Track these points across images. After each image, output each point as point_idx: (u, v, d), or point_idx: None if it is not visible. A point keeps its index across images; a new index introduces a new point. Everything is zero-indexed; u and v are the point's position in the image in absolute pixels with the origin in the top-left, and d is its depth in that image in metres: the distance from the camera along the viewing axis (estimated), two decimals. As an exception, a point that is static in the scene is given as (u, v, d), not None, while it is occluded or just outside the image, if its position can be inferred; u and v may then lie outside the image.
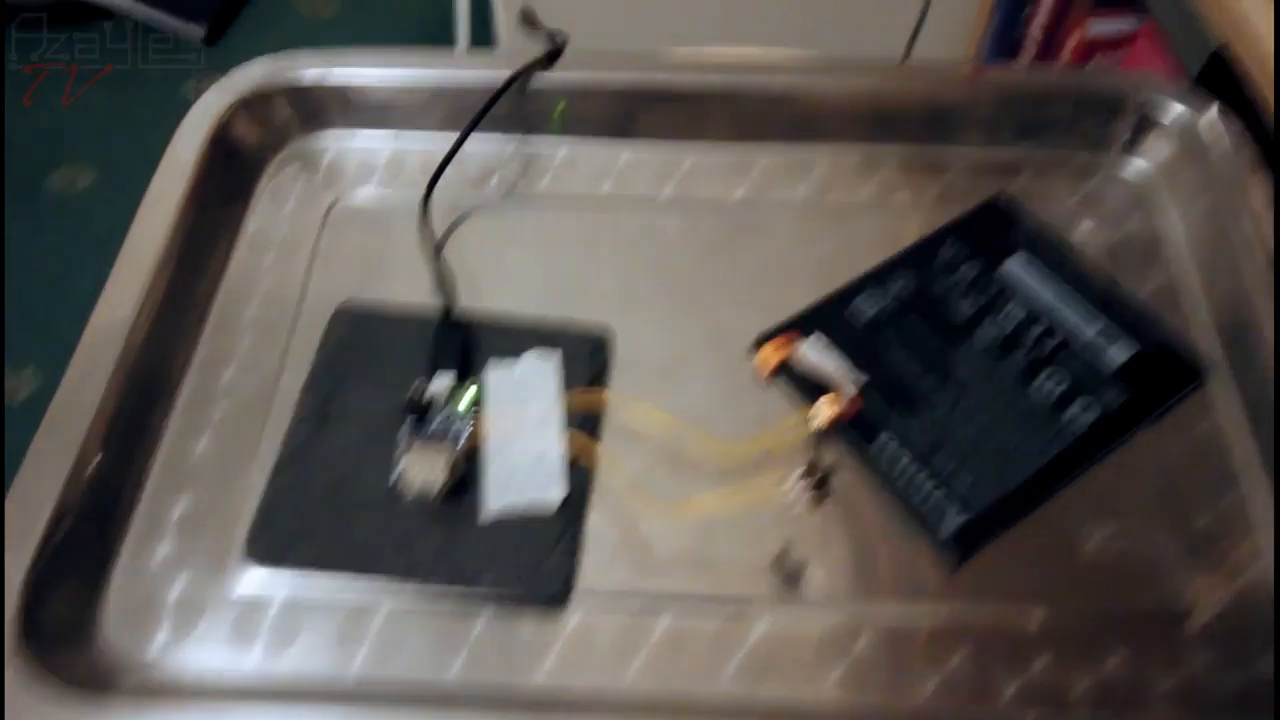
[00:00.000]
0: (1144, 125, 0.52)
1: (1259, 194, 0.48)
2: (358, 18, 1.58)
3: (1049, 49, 0.89)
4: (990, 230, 0.49)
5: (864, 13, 0.98)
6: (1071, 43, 0.86)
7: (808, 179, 0.53)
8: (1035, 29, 0.89)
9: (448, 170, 0.51)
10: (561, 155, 0.54)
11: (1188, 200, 0.50)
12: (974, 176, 0.52)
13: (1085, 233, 0.50)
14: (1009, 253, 0.48)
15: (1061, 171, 0.52)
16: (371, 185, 0.53)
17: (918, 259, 0.49)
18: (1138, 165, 0.52)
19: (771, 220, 0.51)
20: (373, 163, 0.53)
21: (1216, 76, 0.64)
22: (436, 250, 0.49)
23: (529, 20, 0.53)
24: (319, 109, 0.54)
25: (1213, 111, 0.50)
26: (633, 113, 0.54)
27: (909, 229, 0.50)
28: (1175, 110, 0.51)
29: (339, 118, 0.54)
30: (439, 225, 0.51)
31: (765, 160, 0.53)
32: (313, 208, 0.52)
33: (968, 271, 0.48)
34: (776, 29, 0.96)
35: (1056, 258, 0.48)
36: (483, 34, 1.19)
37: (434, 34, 1.47)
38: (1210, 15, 0.64)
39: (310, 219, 0.51)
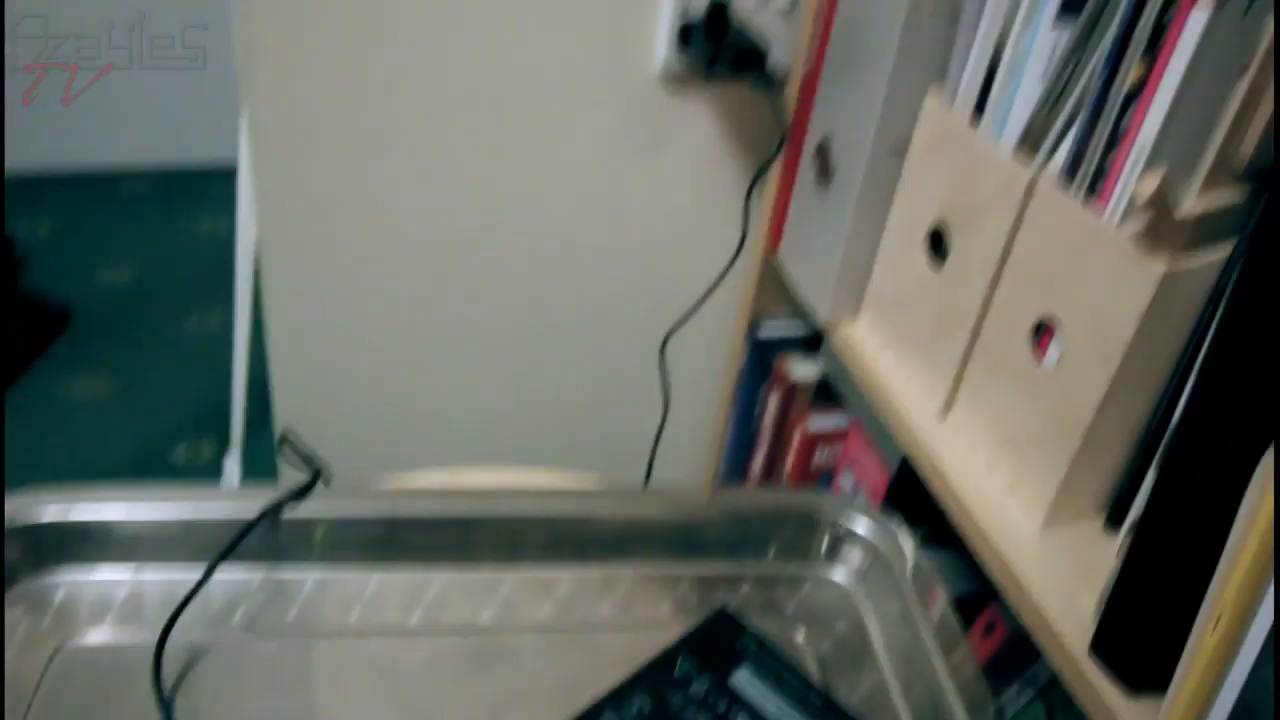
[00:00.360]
0: (838, 539, 0.59)
1: (939, 598, 0.55)
2: (131, 400, 1.58)
3: (780, 440, 1.02)
4: (718, 643, 0.54)
5: (608, 425, 1.08)
6: (797, 436, 0.98)
7: (552, 599, 0.56)
8: (766, 425, 1.01)
9: (190, 605, 0.51)
10: (311, 584, 0.55)
11: (883, 607, 0.57)
12: (704, 590, 0.57)
13: (801, 639, 0.55)
14: (735, 665, 0.52)
15: (777, 581, 0.59)
16: (105, 626, 0.51)
17: (653, 677, 0.51)
18: (839, 575, 0.59)
19: (517, 643, 0.53)
20: (109, 601, 0.52)
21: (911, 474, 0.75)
22: (166, 704, 0.48)
23: (289, 446, 0.56)
24: (55, 546, 0.53)
25: (895, 524, 0.59)
26: (385, 538, 0.56)
27: (646, 644, 0.53)
28: (864, 524, 0.59)
29: (77, 554, 0.54)
30: (177, 665, 0.49)
31: (511, 582, 0.56)
32: (35, 652, 0.49)
33: (699, 687, 0.51)
34: (525, 446, 1.05)
35: (777, 669, 0.52)
36: (261, 419, 1.22)
37: (211, 413, 1.49)
38: (895, 429, 0.76)
39: (32, 665, 0.49)
